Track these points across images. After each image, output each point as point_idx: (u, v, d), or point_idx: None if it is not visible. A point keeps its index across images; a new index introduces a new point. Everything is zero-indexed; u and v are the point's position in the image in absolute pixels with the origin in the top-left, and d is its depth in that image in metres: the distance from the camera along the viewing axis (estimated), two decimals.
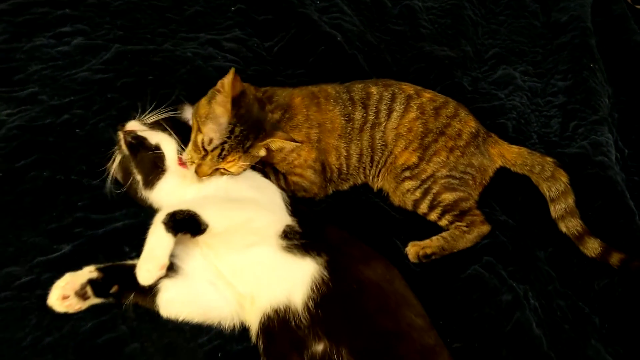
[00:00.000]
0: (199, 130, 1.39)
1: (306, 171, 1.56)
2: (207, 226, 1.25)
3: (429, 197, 1.57)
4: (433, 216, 1.59)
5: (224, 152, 1.38)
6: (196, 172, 1.39)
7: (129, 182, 1.44)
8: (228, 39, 1.90)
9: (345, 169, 1.61)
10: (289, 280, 1.27)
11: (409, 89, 1.65)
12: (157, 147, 1.43)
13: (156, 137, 1.44)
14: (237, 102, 1.37)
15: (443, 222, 1.58)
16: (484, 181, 1.65)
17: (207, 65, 1.80)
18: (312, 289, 1.24)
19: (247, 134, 1.39)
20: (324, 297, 1.23)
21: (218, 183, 1.42)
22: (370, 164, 1.62)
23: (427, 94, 1.66)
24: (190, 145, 1.43)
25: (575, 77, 1.99)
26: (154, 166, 1.41)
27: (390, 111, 1.60)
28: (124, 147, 1.44)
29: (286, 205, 1.42)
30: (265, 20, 2.00)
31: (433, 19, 2.23)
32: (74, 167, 1.51)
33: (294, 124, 1.54)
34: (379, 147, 1.59)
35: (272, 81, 1.80)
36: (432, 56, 2.03)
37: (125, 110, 1.63)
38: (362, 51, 1.94)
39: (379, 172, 1.63)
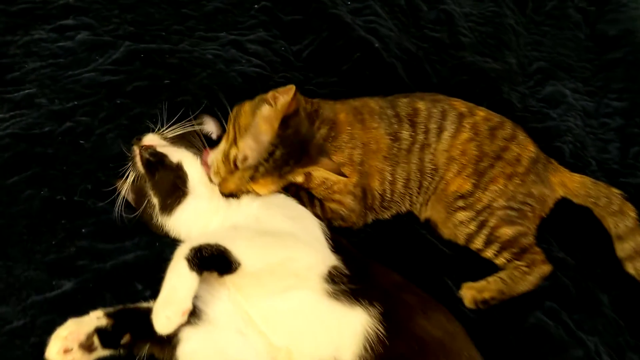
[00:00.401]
0: (235, 143, 1.19)
1: (346, 197, 1.36)
2: (238, 265, 1.05)
3: (485, 231, 1.37)
4: (489, 253, 1.39)
5: (256, 175, 1.18)
6: (218, 184, 1.21)
7: (143, 205, 1.24)
8: (252, 41, 1.69)
9: (389, 195, 1.40)
10: (335, 334, 1.07)
11: (460, 105, 1.45)
12: (179, 167, 1.23)
13: (178, 155, 1.24)
14: (287, 121, 1.18)
15: (500, 261, 1.38)
16: (542, 213, 1.46)
17: (230, 69, 1.58)
18: (365, 348, 1.04)
19: (287, 159, 1.19)
20: (380, 358, 1.02)
21: (249, 210, 1.22)
22: (418, 191, 1.41)
23: (481, 112, 1.46)
24: (220, 154, 1.23)
25: (632, 98, 1.80)
26: (175, 188, 1.21)
27: (440, 130, 1.40)
28: (139, 164, 1.23)
29: (327, 240, 1.21)
30: (293, 21, 1.79)
31: (472, 26, 2.03)
32: (77, 186, 1.30)
33: (338, 145, 1.33)
34: (429, 172, 1.39)
35: (301, 90, 1.57)
36: (476, 68, 1.83)
37: (137, 119, 1.41)
38: (401, 59, 1.74)
39: (427, 200, 1.43)
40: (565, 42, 2.12)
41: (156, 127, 1.33)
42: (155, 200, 1.23)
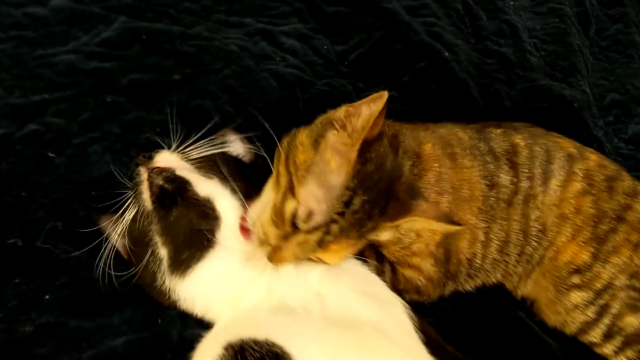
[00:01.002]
0: (291, 192, 0.79)
1: (425, 261, 1.00)
2: None
3: (607, 320, 1.04)
4: (607, 349, 1.06)
5: (327, 238, 0.79)
6: (269, 257, 0.81)
7: (145, 259, 0.84)
8: (286, 33, 1.30)
9: (479, 261, 1.04)
10: None
11: (567, 144, 1.11)
12: (207, 203, 0.84)
13: (208, 186, 0.85)
14: (367, 151, 0.79)
15: None
16: None
17: (261, 68, 1.19)
18: None
19: (370, 209, 0.80)
20: None
21: (306, 281, 0.83)
22: (518, 258, 1.06)
23: (592, 155, 1.12)
24: (266, 210, 0.83)
25: None
26: (197, 235, 0.83)
27: (547, 177, 1.05)
28: (146, 194, 0.84)
29: (417, 331, 0.84)
30: (338, 13, 1.41)
31: (537, 44, 1.70)
32: (41, 223, 0.88)
33: (423, 186, 0.96)
34: (534, 233, 1.04)
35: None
36: (555, 94, 1.50)
37: (134, 127, 1.03)
38: (472, 76, 1.37)
39: (529, 273, 1.07)
40: (637, 73, 1.82)
41: (162, 140, 0.92)
42: (163, 252, 0.83)
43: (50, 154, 0.94)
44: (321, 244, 0.79)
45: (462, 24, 1.64)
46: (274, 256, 0.81)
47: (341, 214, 0.78)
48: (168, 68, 1.11)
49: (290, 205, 0.79)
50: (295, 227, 0.79)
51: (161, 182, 0.82)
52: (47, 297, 0.81)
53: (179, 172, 0.83)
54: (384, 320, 0.80)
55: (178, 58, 1.13)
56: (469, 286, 1.08)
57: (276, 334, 0.70)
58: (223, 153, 0.92)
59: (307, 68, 1.27)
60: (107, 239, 0.87)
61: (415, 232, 0.94)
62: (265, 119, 1.03)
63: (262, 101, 1.11)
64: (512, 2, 1.83)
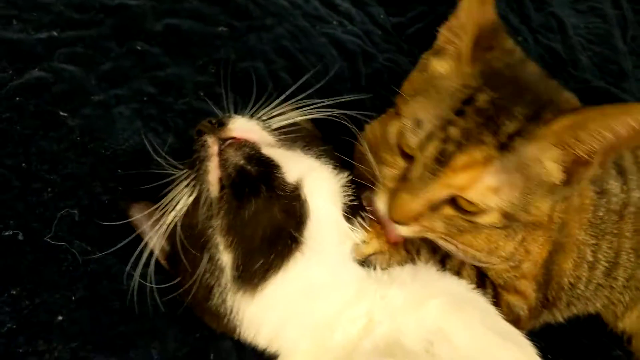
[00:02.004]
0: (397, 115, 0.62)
1: (530, 285, 0.81)
2: None
3: None
4: None
5: (449, 148, 0.57)
6: (389, 209, 0.60)
7: (198, 269, 0.59)
8: None
9: (582, 286, 0.86)
10: None
11: None
12: (295, 192, 0.60)
13: (299, 167, 0.62)
14: (487, 45, 0.61)
15: None
16: None
17: (318, 31, 0.95)
18: None
19: (505, 108, 0.58)
20: None
21: (425, 313, 0.61)
22: (626, 283, 0.89)
23: None
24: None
25: None
26: (278, 236, 0.60)
27: None
28: (212, 176, 0.60)
29: None
30: None
31: (584, 43, 1.55)
32: (50, 212, 0.62)
33: None
34: None
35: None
36: (610, 96, 1.37)
37: (172, 87, 0.77)
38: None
39: (637, 301, 0.90)
40: None
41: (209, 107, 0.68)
42: (226, 259, 0.60)
43: (61, 113, 0.68)
44: (443, 161, 0.57)
45: (510, 8, 1.49)
46: (394, 205, 0.59)
47: (460, 112, 0.58)
48: (211, 16, 0.85)
49: (394, 126, 0.61)
50: (408, 156, 0.59)
51: (242, 162, 0.58)
52: (59, 318, 0.56)
53: (265, 150, 0.60)
54: None
55: (222, 4, 0.88)
56: (562, 316, 0.91)
57: None
58: (305, 128, 0.69)
59: (366, 38, 1.05)
60: (141, 237, 0.62)
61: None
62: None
63: (320, 72, 0.88)
64: None
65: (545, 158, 0.59)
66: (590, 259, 0.84)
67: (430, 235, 0.63)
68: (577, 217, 0.81)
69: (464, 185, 0.57)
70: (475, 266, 0.77)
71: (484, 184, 0.57)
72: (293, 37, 0.92)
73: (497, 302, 0.78)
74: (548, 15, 1.55)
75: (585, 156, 0.58)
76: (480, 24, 0.61)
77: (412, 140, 0.59)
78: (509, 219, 0.60)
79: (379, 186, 0.62)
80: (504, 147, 0.57)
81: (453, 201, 0.59)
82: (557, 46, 1.47)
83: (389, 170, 0.61)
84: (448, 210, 0.59)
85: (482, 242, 0.72)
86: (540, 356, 0.65)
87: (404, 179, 0.59)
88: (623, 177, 0.86)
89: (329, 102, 0.66)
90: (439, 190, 0.58)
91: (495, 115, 0.58)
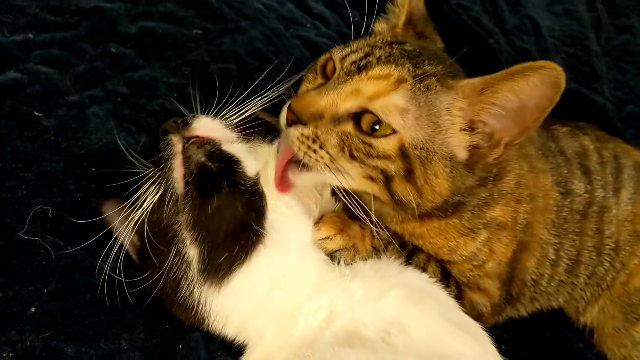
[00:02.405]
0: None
1: (494, 283, 0.83)
2: None
3: None
4: None
5: (370, 59, 0.63)
6: (293, 106, 0.62)
7: (167, 262, 0.62)
8: None
9: (544, 283, 0.90)
10: None
11: (634, 152, 0.99)
12: (255, 183, 0.64)
13: (256, 159, 0.67)
14: (417, 28, 0.74)
15: None
16: None
17: (291, 32, 0.99)
18: None
19: (428, 57, 0.66)
20: None
21: (383, 305, 0.64)
22: (587, 280, 0.92)
23: None
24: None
25: None
26: (241, 229, 0.62)
27: (617, 188, 0.92)
28: (177, 173, 0.63)
29: None
30: None
31: (558, 45, 1.59)
32: (24, 208, 0.65)
33: (502, 191, 0.79)
34: (607, 252, 0.91)
35: None
36: (584, 99, 1.39)
37: (146, 88, 0.80)
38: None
39: (597, 297, 0.94)
40: None
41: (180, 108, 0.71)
42: (193, 252, 0.63)
43: (36, 113, 0.71)
44: (361, 68, 0.62)
45: (485, 12, 1.51)
46: (299, 99, 0.63)
47: (389, 44, 0.65)
48: (186, 19, 0.88)
49: (324, 56, 0.67)
50: (329, 73, 0.65)
51: (203, 159, 0.61)
52: (32, 310, 0.59)
53: (226, 147, 0.62)
54: (481, 357, 0.63)
55: (197, 7, 0.90)
56: (525, 311, 0.95)
57: None
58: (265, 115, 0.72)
59: (339, 40, 1.08)
60: (112, 232, 0.64)
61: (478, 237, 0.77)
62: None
63: (292, 72, 0.91)
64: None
65: (454, 110, 0.63)
66: (553, 257, 0.87)
67: (317, 159, 0.62)
68: (541, 217, 0.85)
69: (373, 94, 0.61)
70: (440, 264, 0.80)
71: (392, 101, 0.61)
72: (267, 39, 0.95)
73: (460, 299, 0.82)
74: (523, 18, 1.58)
75: (489, 127, 0.62)
76: (413, 7, 0.72)
77: (338, 54, 0.64)
78: (404, 163, 0.61)
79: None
80: (420, 79, 0.62)
81: (356, 120, 0.61)
82: (531, 48, 1.50)
83: (305, 86, 0.66)
84: (348, 127, 0.61)
85: (440, 239, 0.75)
86: (498, 348, 0.68)
87: (318, 86, 0.63)
88: (588, 177, 0.90)
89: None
90: (349, 95, 0.61)
91: (419, 56, 0.64)
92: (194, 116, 0.65)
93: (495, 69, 1.20)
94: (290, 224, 0.66)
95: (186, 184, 0.62)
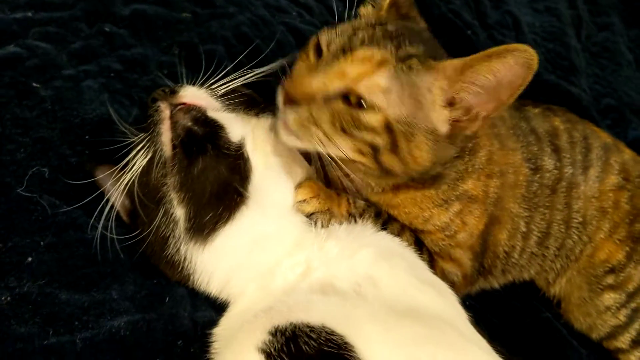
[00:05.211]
0: None
1: (465, 254, 0.88)
2: None
3: (637, 326, 0.96)
4: (634, 357, 0.97)
5: (353, 41, 0.67)
6: (288, 88, 0.67)
7: (156, 220, 0.68)
8: None
9: (516, 255, 0.94)
10: None
11: (603, 133, 1.04)
12: (239, 148, 0.68)
13: (242, 126, 0.71)
14: (402, 10, 0.77)
15: None
16: None
17: (277, 20, 1.03)
18: None
19: (410, 38, 0.69)
20: None
21: (356, 261, 0.68)
22: (557, 252, 0.96)
23: (628, 150, 1.05)
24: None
25: None
26: (225, 191, 0.67)
27: (586, 166, 0.97)
28: (165, 137, 0.68)
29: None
30: None
31: (538, 40, 1.64)
32: (22, 170, 0.70)
33: (475, 165, 0.84)
34: (575, 225, 0.95)
35: None
36: (561, 90, 1.44)
37: (137, 65, 0.85)
38: None
39: (565, 269, 0.98)
40: (626, 81, 1.80)
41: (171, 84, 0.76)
42: (180, 212, 0.68)
43: (34, 84, 0.75)
44: (346, 51, 0.66)
45: (468, 8, 1.56)
46: (293, 80, 0.67)
47: (372, 25, 0.68)
48: (177, 3, 0.93)
49: (314, 39, 0.69)
50: (318, 56, 0.68)
51: (189, 124, 0.66)
52: (29, 259, 0.63)
53: (211, 114, 0.67)
54: (447, 311, 0.68)
55: None
56: (498, 283, 0.99)
57: (333, 320, 0.57)
58: (250, 94, 0.77)
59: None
60: (104, 194, 0.69)
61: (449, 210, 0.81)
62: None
63: (278, 53, 0.96)
64: None
65: (436, 89, 0.66)
66: (524, 229, 0.91)
67: (312, 138, 0.66)
68: (511, 192, 0.89)
69: (358, 76, 0.65)
70: (413, 233, 0.84)
71: (376, 81, 0.65)
72: (253, 24, 1.00)
73: (432, 268, 0.86)
74: (504, 14, 1.63)
75: (471, 101, 0.66)
76: None
77: (324, 37, 0.68)
78: (389, 137, 0.66)
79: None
80: (402, 60, 0.66)
81: (345, 97, 0.65)
82: (511, 42, 1.55)
83: (299, 65, 0.69)
84: (338, 104, 0.65)
85: (415, 209, 0.80)
86: (469, 316, 0.73)
87: (309, 68, 0.67)
88: (557, 154, 0.94)
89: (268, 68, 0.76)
90: (335, 77, 0.65)
91: (401, 37, 0.67)
92: (181, 85, 0.70)
93: None
94: (273, 187, 0.71)
95: (173, 147, 0.67)
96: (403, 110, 0.66)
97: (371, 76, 0.65)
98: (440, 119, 0.67)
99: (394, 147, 0.67)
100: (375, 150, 0.67)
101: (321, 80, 0.65)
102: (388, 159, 0.68)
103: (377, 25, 0.69)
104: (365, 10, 0.77)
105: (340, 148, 0.66)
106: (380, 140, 0.67)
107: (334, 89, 0.65)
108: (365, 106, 0.65)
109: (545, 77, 1.52)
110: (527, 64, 0.64)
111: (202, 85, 0.72)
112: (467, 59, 0.65)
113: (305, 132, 0.67)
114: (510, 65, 0.64)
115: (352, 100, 0.65)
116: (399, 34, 0.69)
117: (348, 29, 0.69)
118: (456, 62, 0.66)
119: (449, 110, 0.68)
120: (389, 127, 0.66)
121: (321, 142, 0.67)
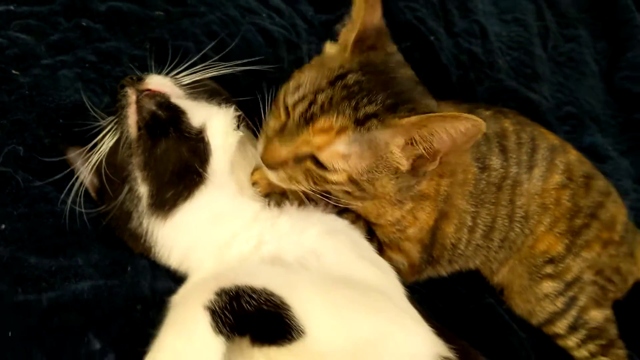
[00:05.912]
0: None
1: (415, 247, 0.95)
2: (300, 334, 0.61)
3: (574, 312, 1.02)
4: (571, 342, 1.04)
5: (314, 108, 0.71)
6: (262, 157, 0.74)
7: (121, 196, 0.74)
8: None
9: (462, 246, 1.00)
10: None
11: (551, 135, 1.10)
12: (200, 134, 0.75)
13: (203, 114, 0.77)
14: (369, 42, 0.75)
15: (581, 354, 1.04)
16: (618, 294, 1.13)
17: (247, 20, 1.10)
18: None
19: (370, 91, 0.71)
20: None
21: (303, 237, 0.76)
22: (500, 244, 1.02)
23: (574, 151, 1.11)
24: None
25: None
26: (185, 171, 0.74)
27: (531, 165, 1.03)
28: (132, 120, 0.75)
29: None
30: None
31: (503, 48, 1.71)
32: (0, 147, 0.76)
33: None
34: (518, 219, 1.01)
35: None
36: (520, 96, 1.50)
37: (110, 58, 0.91)
38: (451, 64, 1.36)
39: (508, 259, 1.04)
40: (589, 90, 1.87)
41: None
42: (143, 189, 0.75)
43: (13, 71, 0.81)
44: (308, 119, 0.70)
45: (436, 16, 1.62)
46: (267, 150, 0.73)
47: (331, 83, 0.71)
48: (150, 1, 0.99)
49: (283, 89, 0.73)
50: (286, 112, 0.72)
51: (153, 108, 0.73)
52: (2, 226, 0.70)
53: (174, 100, 0.74)
54: (384, 284, 0.75)
55: None
56: (445, 272, 1.05)
57: (274, 284, 0.63)
58: (216, 86, 0.83)
59: (292, 30, 1.19)
60: (75, 172, 0.76)
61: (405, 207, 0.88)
62: (249, 74, 0.94)
63: (247, 53, 1.03)
64: (480, 7, 1.83)
65: (394, 144, 0.72)
66: (470, 223, 0.97)
67: (294, 186, 0.75)
68: (460, 189, 0.94)
69: (319, 146, 0.70)
70: (366, 223, 0.89)
71: (336, 149, 0.70)
72: (223, 23, 1.06)
73: (381, 255, 0.92)
74: (472, 23, 1.68)
75: (426, 152, 0.72)
76: (366, 24, 0.74)
77: (290, 99, 0.72)
78: (356, 186, 0.73)
79: (262, 134, 0.75)
80: (360, 123, 0.70)
81: (314, 157, 0.71)
82: (477, 50, 1.59)
83: (273, 122, 0.74)
84: (309, 164, 0.72)
85: (371, 207, 0.85)
86: (415, 299, 0.79)
87: (281, 130, 0.73)
88: (505, 155, 0.98)
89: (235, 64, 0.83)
90: (301, 145, 0.71)
91: (359, 95, 0.71)
92: (147, 74, 0.77)
93: (435, 63, 1.32)
94: (230, 169, 0.78)
95: (139, 129, 0.74)
96: (364, 164, 0.72)
97: (330, 145, 0.70)
98: (402, 161, 0.73)
99: (361, 190, 0.75)
100: (346, 192, 0.75)
101: (290, 150, 0.72)
102: (359, 195, 0.76)
103: (338, 79, 0.71)
104: (330, 49, 0.79)
105: (317, 191, 0.75)
106: (349, 188, 0.74)
107: (301, 154, 0.72)
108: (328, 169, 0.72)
109: (507, 83, 1.57)
110: (477, 129, 0.69)
111: (167, 74, 0.78)
112: (424, 117, 0.69)
113: (287, 183, 0.75)
114: (462, 129, 0.69)
115: (319, 160, 0.72)
116: (360, 89, 0.71)
117: (309, 92, 0.71)
118: (413, 119, 0.69)
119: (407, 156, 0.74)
120: (352, 180, 0.73)
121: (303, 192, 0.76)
